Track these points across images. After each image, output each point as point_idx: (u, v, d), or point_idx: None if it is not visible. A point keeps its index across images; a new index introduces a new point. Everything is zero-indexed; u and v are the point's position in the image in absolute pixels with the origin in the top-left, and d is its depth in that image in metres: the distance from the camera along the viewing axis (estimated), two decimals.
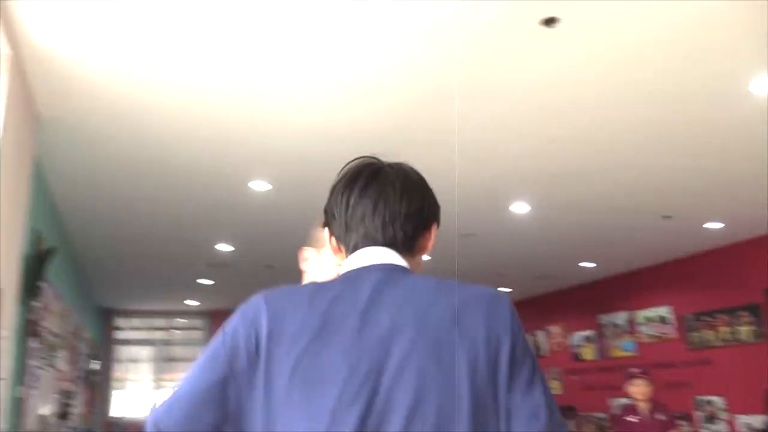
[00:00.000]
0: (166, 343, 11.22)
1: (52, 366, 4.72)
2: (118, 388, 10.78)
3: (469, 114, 3.60)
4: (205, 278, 8.31)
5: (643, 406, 4.64)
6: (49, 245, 4.23)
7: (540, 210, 5.52)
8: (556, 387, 9.72)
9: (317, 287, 1.01)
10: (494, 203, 5.34)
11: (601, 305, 8.89)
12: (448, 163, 4.32)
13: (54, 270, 4.68)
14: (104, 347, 10.41)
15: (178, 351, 11.21)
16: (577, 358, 9.44)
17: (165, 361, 11.08)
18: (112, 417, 10.42)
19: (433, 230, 1.13)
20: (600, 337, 8.93)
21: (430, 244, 1.12)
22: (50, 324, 4.59)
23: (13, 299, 3.10)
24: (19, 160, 3.06)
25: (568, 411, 9.19)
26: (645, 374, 4.72)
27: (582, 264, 7.90)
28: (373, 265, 1.03)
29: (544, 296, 10.20)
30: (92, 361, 8.38)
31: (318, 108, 3.50)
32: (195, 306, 10.55)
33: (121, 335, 11.03)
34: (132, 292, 9.35)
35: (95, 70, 3.03)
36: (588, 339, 9.22)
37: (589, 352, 9.20)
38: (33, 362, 3.94)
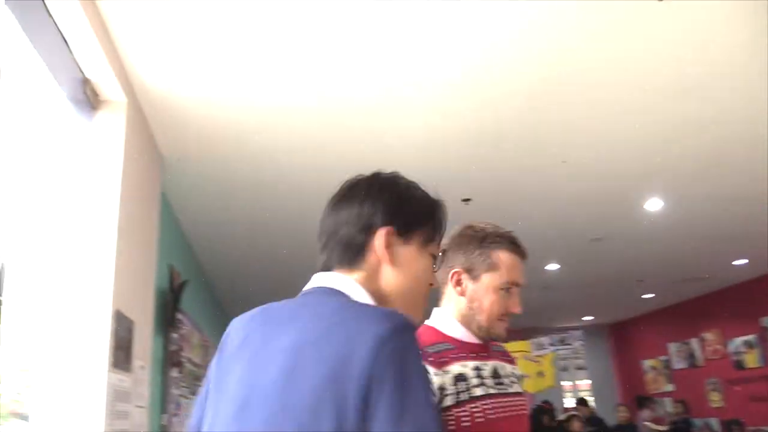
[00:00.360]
0: None
1: (194, 394, 4.95)
2: None
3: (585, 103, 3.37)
4: None
5: None
6: (183, 278, 4.45)
7: (676, 205, 5.07)
8: (716, 399, 8.87)
9: (265, 308, 1.07)
10: (623, 202, 4.97)
11: (762, 306, 8.01)
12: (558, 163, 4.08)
13: (191, 302, 4.93)
14: None
15: None
16: (738, 366, 8.57)
17: None
18: None
19: (381, 233, 1.07)
20: (763, 341, 8.05)
21: (383, 249, 1.07)
22: (190, 354, 4.81)
23: (150, 331, 3.25)
24: (146, 200, 3.23)
25: (735, 425, 8.31)
26: None
27: (736, 262, 7.19)
28: (306, 290, 1.09)
29: (693, 300, 9.40)
30: None
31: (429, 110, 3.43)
32: None
33: None
34: None
35: (211, 108, 3.16)
36: (749, 344, 8.35)
37: (752, 359, 8.32)
38: (175, 391, 4.13)
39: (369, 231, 1.07)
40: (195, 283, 5.45)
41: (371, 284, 1.06)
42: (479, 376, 1.44)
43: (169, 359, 4.08)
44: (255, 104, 3.15)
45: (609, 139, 3.81)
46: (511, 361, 1.63)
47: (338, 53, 2.77)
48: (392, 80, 3.01)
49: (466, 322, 1.51)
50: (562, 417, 7.00)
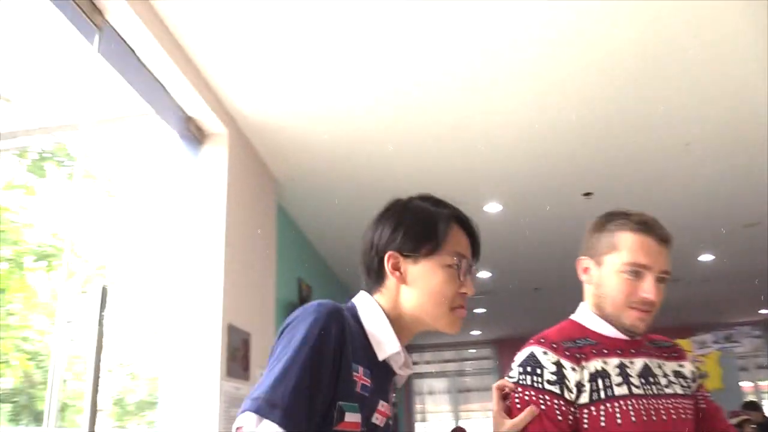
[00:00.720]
0: (460, 374, 11.55)
1: None
2: (420, 420, 11.37)
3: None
4: (479, 307, 8.43)
5: None
6: (313, 288, 4.72)
7: None
8: None
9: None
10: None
11: None
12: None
13: None
14: (405, 384, 11.14)
15: (471, 381, 11.46)
16: None
17: (460, 392, 11.39)
18: None
19: (390, 257, 1.17)
20: None
21: (393, 270, 1.16)
22: None
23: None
24: (259, 220, 3.50)
25: None
26: None
27: None
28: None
29: None
30: None
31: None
32: (479, 336, 10.72)
33: (418, 369, 11.69)
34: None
35: (313, 127, 3.36)
36: None
37: None
38: None
39: (380, 256, 1.17)
40: (329, 290, 5.75)
41: (392, 303, 1.17)
42: (623, 374, 1.33)
43: None
44: (353, 115, 3.29)
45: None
46: (679, 358, 1.46)
47: (434, 54, 2.81)
48: (498, 73, 3.00)
49: (606, 315, 1.40)
50: (733, 421, 6.36)
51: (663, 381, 1.36)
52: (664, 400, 1.33)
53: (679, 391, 1.38)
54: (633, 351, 1.38)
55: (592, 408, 1.28)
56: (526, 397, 1.29)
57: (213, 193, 2.99)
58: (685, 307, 7.53)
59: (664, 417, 1.31)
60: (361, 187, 4.27)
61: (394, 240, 1.17)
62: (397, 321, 1.15)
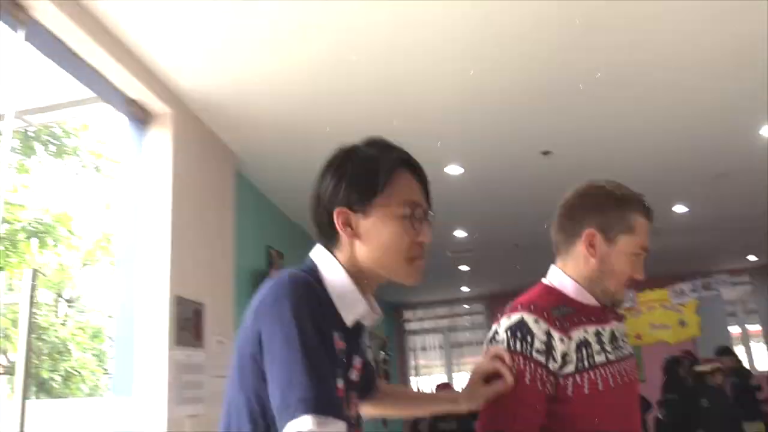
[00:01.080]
0: (452, 329, 11.83)
1: None
2: (414, 375, 11.71)
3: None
4: (464, 265, 8.59)
5: None
6: (288, 255, 4.89)
7: None
8: None
9: None
10: (744, 128, 4.48)
11: None
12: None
13: None
14: (397, 339, 11.44)
15: (463, 336, 11.75)
16: None
17: (453, 347, 11.70)
18: None
19: (339, 214, 1.12)
20: None
21: (344, 227, 1.12)
22: None
23: (232, 310, 3.66)
24: (213, 195, 3.63)
25: None
26: None
27: None
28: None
29: None
30: (381, 352, 9.30)
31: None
32: (468, 292, 10.93)
33: (412, 326, 11.98)
34: (414, 288, 10.10)
35: (258, 101, 3.45)
36: None
37: None
38: None
39: (329, 213, 1.13)
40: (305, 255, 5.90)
41: (349, 260, 1.13)
42: (600, 342, 1.41)
43: None
44: (299, 82, 3.34)
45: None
46: (622, 318, 1.55)
47: (375, 19, 2.85)
48: (444, 34, 3.00)
49: (591, 285, 1.45)
50: (705, 368, 6.50)
51: (622, 344, 1.47)
52: (625, 363, 1.43)
53: (631, 350, 1.51)
54: (603, 318, 1.46)
55: (578, 377, 1.34)
56: (513, 363, 1.32)
57: (159, 171, 3.11)
58: (665, 258, 7.64)
59: (627, 379, 1.41)
60: (323, 151, 4.35)
61: (340, 194, 1.12)
62: (357, 276, 1.12)
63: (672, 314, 7.40)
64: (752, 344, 10.77)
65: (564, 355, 1.34)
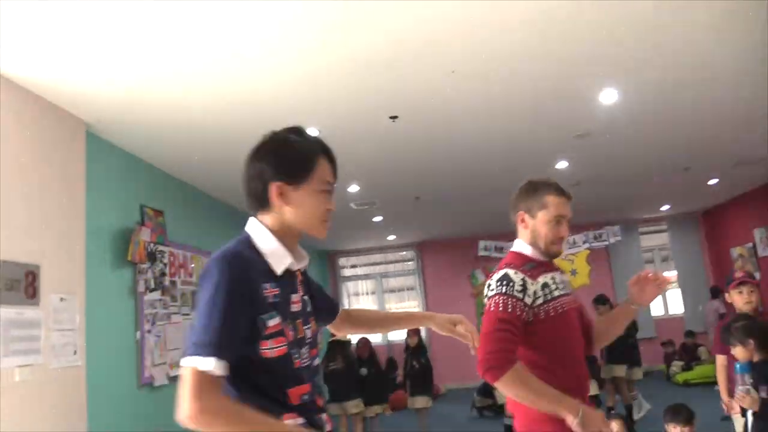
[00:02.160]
0: (384, 275, 12.30)
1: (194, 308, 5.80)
2: None
3: None
4: (377, 216, 8.95)
5: None
6: (169, 211, 5.22)
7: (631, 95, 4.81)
8: None
9: None
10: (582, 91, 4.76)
11: None
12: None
13: (189, 229, 5.70)
14: (332, 285, 11.91)
15: (396, 282, 12.24)
16: None
17: (386, 292, 12.21)
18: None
19: (272, 188, 1.53)
20: None
21: (276, 198, 1.53)
22: (187, 276, 5.62)
23: (80, 270, 3.98)
24: (55, 163, 3.89)
25: None
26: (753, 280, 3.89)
27: None
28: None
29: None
30: None
31: None
32: (397, 239, 11.34)
33: (346, 273, 12.42)
34: (348, 235, 10.47)
35: (107, 69, 3.66)
36: None
37: None
38: (152, 311, 4.94)
39: (266, 185, 1.53)
40: (195, 209, 6.21)
41: (279, 222, 1.55)
42: (555, 283, 2.17)
43: (146, 285, 4.89)
44: (142, 60, 3.61)
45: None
46: (558, 268, 2.31)
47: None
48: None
49: (535, 246, 2.23)
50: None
51: (561, 285, 2.20)
52: (565, 298, 2.19)
53: (570, 289, 2.27)
54: (551, 268, 2.25)
55: (546, 305, 2.11)
56: (501, 299, 2.07)
57: None
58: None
59: (567, 308, 2.18)
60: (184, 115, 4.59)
61: (276, 173, 1.52)
62: (284, 232, 1.55)
63: (564, 263, 7.85)
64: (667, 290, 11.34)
65: (534, 293, 2.10)
